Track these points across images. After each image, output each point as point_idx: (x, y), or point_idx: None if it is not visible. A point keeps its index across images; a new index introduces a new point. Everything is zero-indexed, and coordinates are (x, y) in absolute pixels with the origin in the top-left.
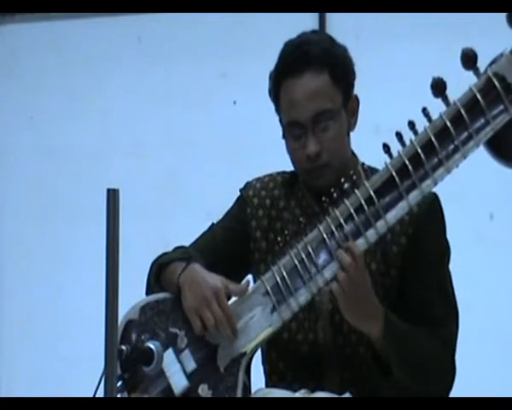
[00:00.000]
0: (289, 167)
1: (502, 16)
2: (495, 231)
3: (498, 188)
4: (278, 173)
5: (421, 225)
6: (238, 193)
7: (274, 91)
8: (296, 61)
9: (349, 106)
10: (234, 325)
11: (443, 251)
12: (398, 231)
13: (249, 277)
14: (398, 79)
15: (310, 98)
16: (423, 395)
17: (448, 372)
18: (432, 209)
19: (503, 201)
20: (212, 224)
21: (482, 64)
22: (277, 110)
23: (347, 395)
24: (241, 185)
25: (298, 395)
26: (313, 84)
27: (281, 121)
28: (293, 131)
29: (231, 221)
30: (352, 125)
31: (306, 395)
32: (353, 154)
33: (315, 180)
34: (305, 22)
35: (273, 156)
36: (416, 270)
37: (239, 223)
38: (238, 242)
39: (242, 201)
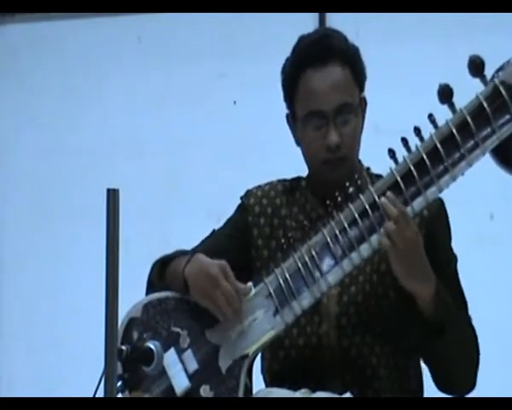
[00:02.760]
0: (289, 167)
1: (502, 16)
2: (495, 231)
3: (498, 188)
4: (278, 181)
5: (433, 226)
6: (238, 193)
7: (290, 82)
8: (319, 52)
9: (361, 106)
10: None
11: (452, 252)
12: None
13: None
14: (398, 79)
15: (334, 89)
16: (460, 372)
17: (477, 353)
18: (441, 212)
19: (503, 201)
20: (214, 230)
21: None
22: (291, 102)
23: (348, 394)
24: (242, 185)
25: (298, 394)
26: (337, 75)
27: (288, 116)
28: (314, 121)
29: (232, 229)
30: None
31: (307, 395)
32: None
33: (330, 172)
34: (305, 22)
35: (273, 156)
36: (433, 269)
37: (240, 231)
38: (240, 250)
39: (243, 209)
